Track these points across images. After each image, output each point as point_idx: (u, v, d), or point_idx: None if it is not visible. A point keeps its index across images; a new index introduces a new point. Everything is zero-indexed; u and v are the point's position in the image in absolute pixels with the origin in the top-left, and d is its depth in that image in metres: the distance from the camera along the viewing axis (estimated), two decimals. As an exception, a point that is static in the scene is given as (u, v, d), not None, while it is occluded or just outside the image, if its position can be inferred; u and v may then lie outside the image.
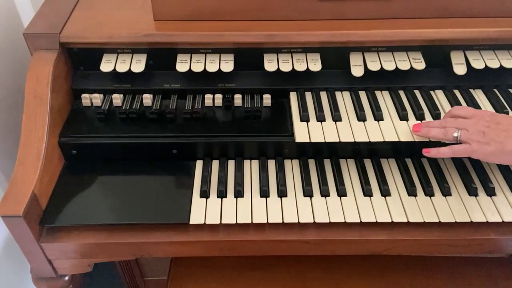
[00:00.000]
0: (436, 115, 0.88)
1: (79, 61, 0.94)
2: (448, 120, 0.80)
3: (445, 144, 0.80)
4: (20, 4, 1.13)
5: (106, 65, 0.91)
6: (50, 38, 0.88)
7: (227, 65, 0.92)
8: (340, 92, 0.95)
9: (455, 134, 0.77)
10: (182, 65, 0.91)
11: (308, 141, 0.85)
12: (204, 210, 0.82)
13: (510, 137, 0.73)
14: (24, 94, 0.86)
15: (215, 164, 0.91)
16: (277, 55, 0.93)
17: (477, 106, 0.90)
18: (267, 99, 0.94)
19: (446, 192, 0.85)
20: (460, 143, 0.77)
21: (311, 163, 0.92)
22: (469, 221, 0.80)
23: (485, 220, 0.80)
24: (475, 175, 0.89)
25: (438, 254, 0.80)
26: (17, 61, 1.13)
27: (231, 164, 0.92)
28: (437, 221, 0.80)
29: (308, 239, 0.81)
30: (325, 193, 0.85)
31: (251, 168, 0.91)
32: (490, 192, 0.85)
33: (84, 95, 0.94)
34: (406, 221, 0.80)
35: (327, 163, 0.92)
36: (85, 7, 0.97)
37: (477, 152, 0.75)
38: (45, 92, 0.85)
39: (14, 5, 1.11)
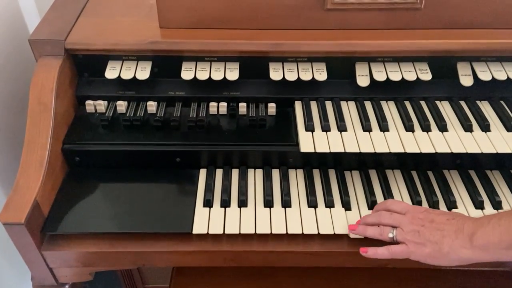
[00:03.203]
0: (442, 126, 0.87)
1: (84, 68, 0.94)
2: (382, 215, 0.77)
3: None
4: (26, 10, 1.13)
5: (111, 72, 0.91)
6: (55, 45, 0.88)
7: (232, 74, 0.91)
8: (345, 102, 0.95)
9: (390, 235, 0.74)
10: (187, 73, 0.91)
11: (313, 151, 0.84)
12: (207, 220, 0.81)
13: (445, 236, 0.69)
14: (28, 100, 0.86)
15: (219, 173, 0.91)
16: (283, 64, 0.93)
17: (483, 117, 0.89)
18: (272, 108, 0.94)
19: (451, 205, 0.84)
20: (398, 242, 0.74)
21: (316, 173, 0.91)
22: (476, 234, 0.79)
23: (491, 234, 0.79)
24: (481, 187, 0.88)
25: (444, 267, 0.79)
26: (22, 67, 1.13)
27: (235, 173, 0.91)
28: (443, 234, 0.79)
29: (312, 251, 0.80)
30: (329, 204, 0.84)
31: (255, 177, 0.90)
32: (497, 206, 0.84)
33: (88, 102, 0.94)
34: (411, 233, 0.79)
35: (332, 173, 0.91)
36: (90, 13, 0.97)
37: (414, 254, 0.72)
38: (49, 99, 0.85)
39: (20, 11, 1.12)
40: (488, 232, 0.66)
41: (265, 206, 0.84)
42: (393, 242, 0.75)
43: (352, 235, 0.79)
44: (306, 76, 0.91)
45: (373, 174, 0.91)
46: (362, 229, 0.78)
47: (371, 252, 0.76)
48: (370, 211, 0.83)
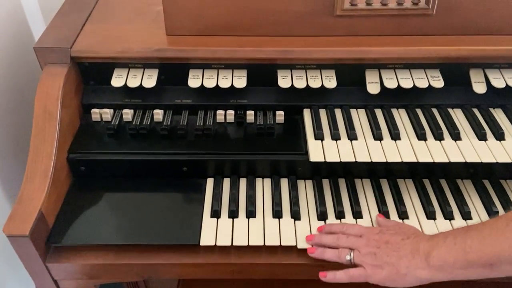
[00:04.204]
0: (455, 135, 0.85)
1: (90, 76, 0.93)
2: (340, 237, 0.75)
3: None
4: (31, 18, 1.13)
5: (117, 80, 0.90)
6: (61, 53, 0.87)
7: (240, 81, 0.90)
8: (355, 109, 0.93)
9: (348, 258, 0.72)
10: (194, 81, 0.89)
11: (322, 160, 0.82)
12: (215, 231, 0.80)
13: (401, 258, 0.68)
14: (34, 109, 0.84)
15: (226, 182, 0.89)
16: (291, 71, 0.91)
17: (497, 126, 0.87)
18: (280, 116, 0.92)
19: (466, 216, 0.82)
20: (356, 265, 0.72)
21: (325, 183, 0.89)
22: (491, 246, 0.77)
23: (508, 246, 0.77)
24: (495, 197, 0.86)
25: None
26: (27, 74, 1.12)
27: (242, 182, 0.89)
28: (458, 246, 0.77)
29: (323, 263, 0.78)
30: (340, 215, 0.82)
31: (263, 186, 0.89)
32: (513, 216, 0.82)
33: (94, 110, 0.92)
34: (425, 245, 0.77)
35: (342, 183, 0.89)
36: (96, 21, 0.96)
37: (372, 277, 0.70)
38: (55, 108, 0.84)
39: (25, 19, 1.11)
40: (443, 252, 0.65)
41: (274, 217, 0.82)
42: (351, 265, 0.73)
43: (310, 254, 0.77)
44: (315, 83, 0.89)
45: (384, 184, 0.89)
46: (320, 252, 0.76)
47: (330, 277, 0.74)
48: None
